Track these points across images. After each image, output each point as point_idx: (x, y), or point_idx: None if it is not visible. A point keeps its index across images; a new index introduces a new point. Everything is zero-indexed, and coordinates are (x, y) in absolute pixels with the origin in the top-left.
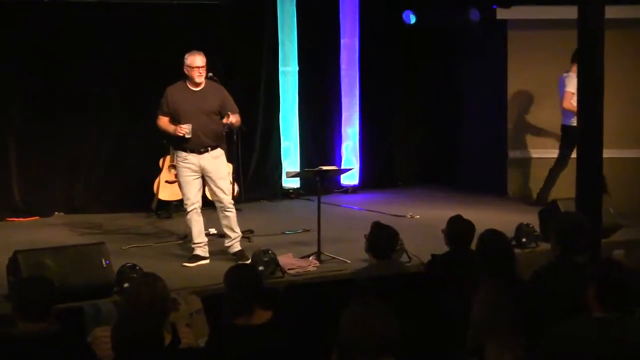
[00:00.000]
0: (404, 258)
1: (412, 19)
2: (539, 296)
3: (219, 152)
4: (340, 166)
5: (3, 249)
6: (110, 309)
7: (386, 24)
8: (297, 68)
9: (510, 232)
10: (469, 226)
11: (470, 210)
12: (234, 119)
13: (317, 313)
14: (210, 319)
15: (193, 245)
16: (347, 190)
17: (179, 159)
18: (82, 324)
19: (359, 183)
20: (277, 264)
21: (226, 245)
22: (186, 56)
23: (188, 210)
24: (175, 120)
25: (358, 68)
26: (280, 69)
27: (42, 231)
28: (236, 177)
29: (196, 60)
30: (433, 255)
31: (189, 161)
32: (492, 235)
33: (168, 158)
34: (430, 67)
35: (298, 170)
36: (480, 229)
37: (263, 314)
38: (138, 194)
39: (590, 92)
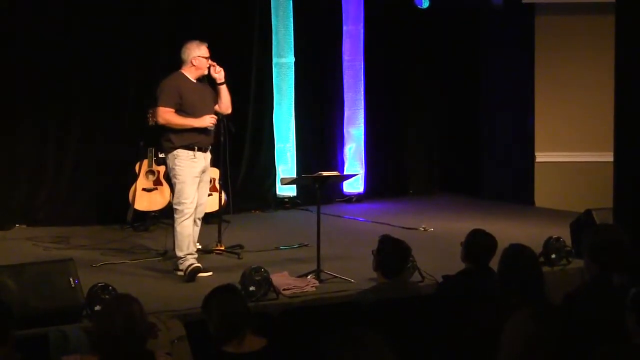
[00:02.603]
0: (416, 277)
1: (425, 3)
2: (572, 322)
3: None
4: (342, 172)
5: None
6: (79, 335)
7: (395, 8)
8: (293, 59)
9: (537, 247)
10: (490, 241)
11: (491, 221)
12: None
13: (317, 340)
14: (194, 347)
15: (187, 256)
16: (350, 199)
17: (183, 159)
18: (47, 352)
19: (364, 191)
20: (271, 284)
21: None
22: (192, 45)
23: (185, 214)
24: (185, 114)
25: (363, 59)
26: (274, 60)
27: (1, 246)
28: (224, 185)
29: (207, 50)
30: (445, 277)
31: (198, 160)
32: (517, 250)
33: (145, 162)
34: (446, 57)
35: (294, 176)
36: (503, 243)
37: (256, 341)
38: (111, 204)
39: (628, 88)
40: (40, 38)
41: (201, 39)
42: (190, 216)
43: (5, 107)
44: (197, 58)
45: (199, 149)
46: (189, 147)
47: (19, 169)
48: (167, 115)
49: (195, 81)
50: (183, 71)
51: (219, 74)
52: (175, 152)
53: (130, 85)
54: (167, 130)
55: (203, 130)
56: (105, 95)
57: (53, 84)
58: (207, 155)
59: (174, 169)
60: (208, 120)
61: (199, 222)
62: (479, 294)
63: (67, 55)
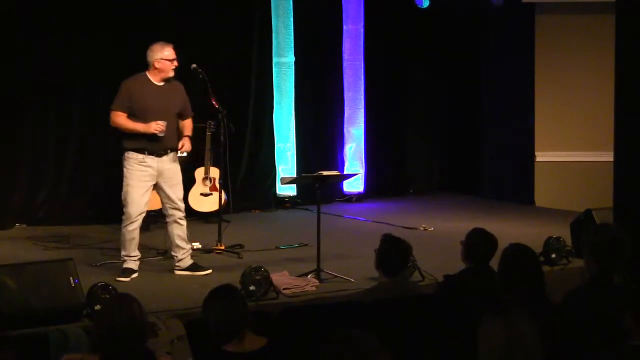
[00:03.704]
0: (417, 277)
1: (426, 2)
2: (572, 322)
3: (176, 156)
4: (342, 171)
5: None
6: (79, 335)
7: (395, 7)
8: (294, 59)
9: (538, 246)
10: (490, 240)
11: (492, 221)
12: (188, 145)
13: (317, 339)
14: (194, 346)
15: (127, 259)
16: (350, 198)
17: (132, 161)
18: (47, 352)
19: (364, 190)
20: (271, 283)
21: (179, 258)
22: (156, 47)
23: (130, 218)
24: (135, 118)
25: (363, 58)
26: (274, 59)
27: (0, 245)
28: (224, 184)
29: (172, 52)
30: (446, 276)
31: (147, 164)
32: (517, 250)
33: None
34: (446, 56)
35: (294, 175)
36: (503, 242)
37: (256, 340)
38: (111, 203)
39: (628, 88)
40: (40, 38)
41: (199, 39)
42: (135, 221)
43: (6, 107)
44: (160, 61)
45: (150, 153)
46: (139, 151)
47: (19, 169)
48: (115, 118)
49: (159, 83)
50: (147, 73)
51: (158, 129)
52: (125, 154)
53: None
54: (120, 132)
55: (153, 135)
56: (105, 95)
57: (53, 84)
58: (167, 159)
59: (123, 170)
60: (153, 127)
61: (182, 222)
62: (480, 294)
63: (67, 56)
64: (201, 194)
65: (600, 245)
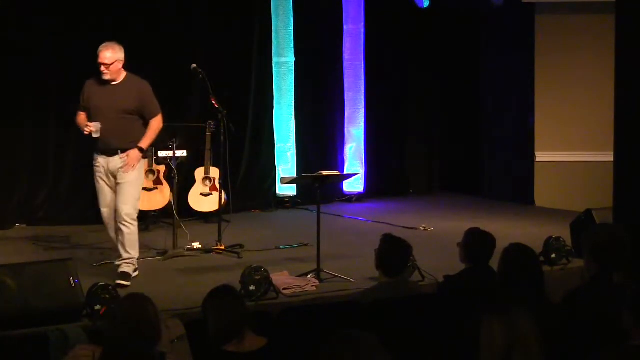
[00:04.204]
0: (417, 277)
1: (426, 2)
2: (571, 321)
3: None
4: (342, 171)
5: None
6: (79, 335)
7: (396, 7)
8: (294, 59)
9: (538, 246)
10: (488, 239)
11: (491, 221)
12: (131, 159)
13: (317, 339)
14: (194, 346)
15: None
16: (350, 198)
17: (93, 162)
18: (47, 352)
19: (364, 190)
20: (271, 283)
21: (116, 264)
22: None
23: (103, 217)
24: (88, 117)
25: (363, 58)
26: (274, 59)
27: (0, 245)
28: (224, 184)
29: (100, 55)
30: (446, 277)
31: (99, 164)
32: (517, 250)
33: (145, 162)
34: (447, 56)
35: (294, 175)
36: (503, 243)
37: (256, 340)
38: None
39: (628, 88)
40: (40, 38)
41: (200, 40)
42: (105, 221)
43: (6, 107)
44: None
45: (102, 153)
46: (94, 150)
47: (19, 169)
48: (76, 117)
49: (113, 83)
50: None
51: (87, 130)
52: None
53: None
54: None
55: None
56: None
57: (53, 84)
58: (117, 159)
59: None
60: (84, 128)
61: (124, 229)
62: (480, 294)
63: (67, 56)
64: (201, 194)
65: (600, 245)
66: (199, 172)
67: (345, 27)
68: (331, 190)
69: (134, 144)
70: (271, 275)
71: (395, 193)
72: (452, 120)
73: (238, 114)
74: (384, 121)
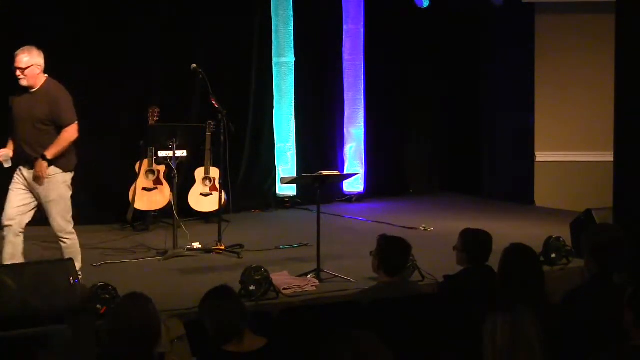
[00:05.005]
0: (417, 277)
1: (426, 2)
2: (571, 322)
3: (52, 171)
4: (342, 171)
5: None
6: (78, 334)
7: (395, 7)
8: (293, 59)
9: (538, 246)
10: (483, 237)
11: (492, 221)
12: (37, 170)
13: (316, 339)
14: (194, 346)
15: None
16: (350, 198)
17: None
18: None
19: (364, 190)
20: (271, 283)
21: None
22: None
23: (2, 225)
24: (12, 125)
25: (363, 58)
26: (274, 59)
27: (0, 246)
28: (224, 184)
29: (17, 59)
30: (446, 276)
31: (21, 173)
32: (517, 250)
33: (145, 162)
34: (446, 56)
35: (294, 175)
36: (503, 242)
37: (255, 340)
38: (110, 203)
39: (628, 88)
40: (41, 38)
41: (200, 39)
42: (7, 228)
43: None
44: None
45: (24, 164)
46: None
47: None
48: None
49: (31, 90)
50: None
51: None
52: None
53: (130, 84)
54: None
55: (16, 147)
56: (104, 94)
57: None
58: (31, 171)
59: None
60: None
61: (61, 243)
62: (480, 294)
63: (67, 56)
64: (201, 194)
65: (600, 245)
66: (199, 172)
67: (345, 27)
68: (331, 190)
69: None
70: (271, 275)
71: (395, 193)
72: (452, 120)
73: (238, 114)
74: (384, 121)
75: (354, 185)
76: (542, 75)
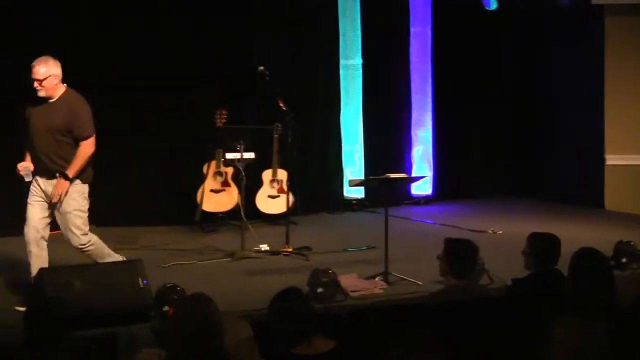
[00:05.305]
0: (485, 280)
1: (494, 4)
2: None
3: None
4: (410, 174)
5: (18, 266)
6: (146, 335)
7: (463, 9)
8: (361, 61)
9: (607, 250)
10: (551, 240)
11: (560, 225)
12: (56, 192)
13: (385, 341)
14: (262, 348)
15: None
16: (418, 201)
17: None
18: (115, 353)
19: (432, 193)
20: (339, 286)
21: None
22: None
23: (29, 239)
24: (28, 135)
25: (430, 60)
26: (341, 62)
27: (65, 246)
28: (291, 186)
29: (33, 70)
30: (515, 280)
31: (37, 183)
32: (587, 254)
33: (213, 164)
34: (514, 58)
35: (362, 178)
36: (572, 246)
37: (324, 342)
38: (179, 205)
39: None
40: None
41: (267, 43)
42: (27, 236)
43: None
44: None
45: (41, 175)
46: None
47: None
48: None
49: (46, 102)
50: None
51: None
52: None
53: (196, 85)
54: None
55: (33, 157)
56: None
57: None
58: (48, 182)
59: None
60: (19, 166)
61: (85, 253)
62: (549, 298)
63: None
64: (269, 196)
65: None
66: (267, 174)
67: (412, 29)
68: (399, 193)
69: (65, 169)
70: (339, 278)
71: (463, 196)
72: (520, 123)
73: (305, 116)
74: (451, 124)
75: (422, 187)
76: (612, 76)
